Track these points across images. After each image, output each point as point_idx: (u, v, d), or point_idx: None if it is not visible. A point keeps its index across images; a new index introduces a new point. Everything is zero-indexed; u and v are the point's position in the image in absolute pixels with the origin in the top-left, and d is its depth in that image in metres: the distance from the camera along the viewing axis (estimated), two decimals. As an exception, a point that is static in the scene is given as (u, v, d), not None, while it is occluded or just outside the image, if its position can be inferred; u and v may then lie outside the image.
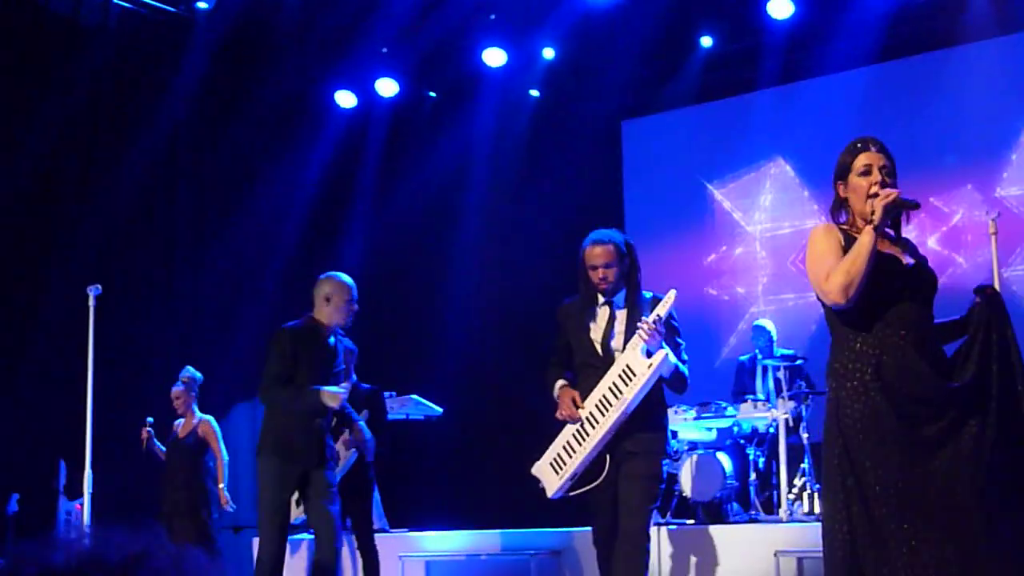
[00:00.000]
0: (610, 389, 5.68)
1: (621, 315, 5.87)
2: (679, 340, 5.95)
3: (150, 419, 9.44)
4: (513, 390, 11.77)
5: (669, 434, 6.02)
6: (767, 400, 9.23)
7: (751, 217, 11.69)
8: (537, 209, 12.24)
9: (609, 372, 5.71)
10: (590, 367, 5.83)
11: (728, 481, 8.93)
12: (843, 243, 4.34)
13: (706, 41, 11.54)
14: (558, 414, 5.84)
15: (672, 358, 5.72)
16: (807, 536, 7.89)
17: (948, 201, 10.59)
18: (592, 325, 5.89)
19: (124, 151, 10.97)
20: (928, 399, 4.19)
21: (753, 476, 8.99)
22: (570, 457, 5.79)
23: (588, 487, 5.77)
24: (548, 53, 11.83)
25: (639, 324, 5.65)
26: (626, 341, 5.75)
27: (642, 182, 12.44)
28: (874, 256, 4.21)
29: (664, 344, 5.70)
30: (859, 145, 4.52)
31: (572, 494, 5.82)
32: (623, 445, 5.73)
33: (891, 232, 4.45)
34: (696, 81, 11.90)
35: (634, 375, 5.64)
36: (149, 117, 11.13)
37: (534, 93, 12.43)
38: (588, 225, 12.10)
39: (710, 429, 9.41)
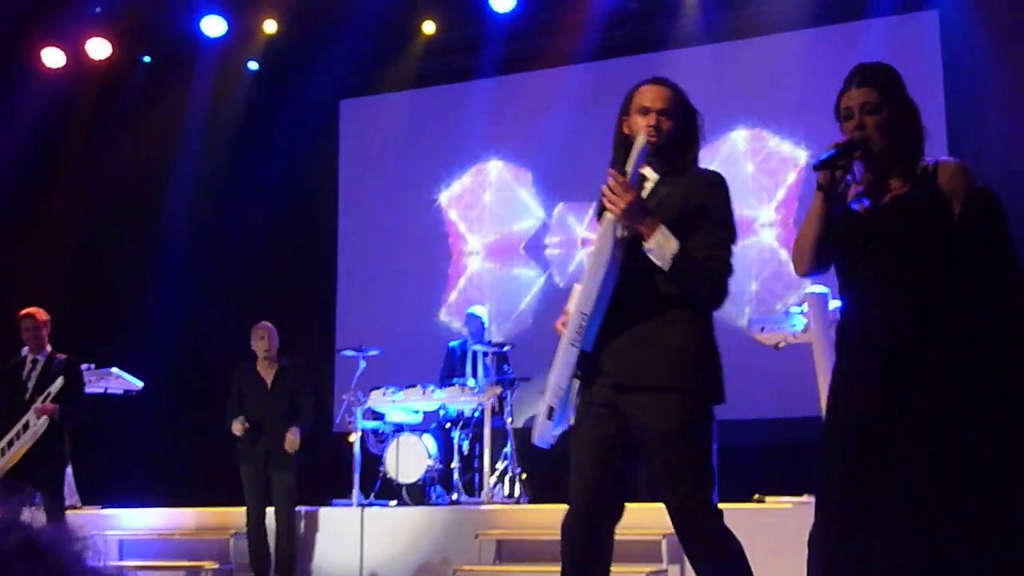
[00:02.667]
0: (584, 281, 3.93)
1: (661, 189, 3.99)
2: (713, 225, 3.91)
3: None
4: (216, 367, 11.55)
5: (703, 369, 3.88)
6: (474, 385, 9.38)
7: (470, 219, 11.82)
8: (252, 182, 12.05)
9: None
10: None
11: (432, 463, 9.04)
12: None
13: (428, 27, 11.61)
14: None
15: (663, 240, 3.79)
16: (508, 518, 8.08)
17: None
18: None
19: None
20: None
21: (457, 459, 9.13)
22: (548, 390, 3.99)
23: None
24: (269, 26, 11.64)
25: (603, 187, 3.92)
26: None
27: (359, 161, 12.42)
28: (823, 220, 3.62)
29: (644, 218, 3.82)
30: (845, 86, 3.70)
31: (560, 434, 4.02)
32: (618, 372, 3.90)
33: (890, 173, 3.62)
34: (416, 65, 11.97)
35: (595, 258, 3.90)
36: None
37: (253, 65, 12.21)
38: (303, 201, 12.16)
39: (416, 411, 9.49)
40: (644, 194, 3.94)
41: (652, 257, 3.79)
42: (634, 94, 4.09)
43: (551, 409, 3.89)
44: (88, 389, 8.81)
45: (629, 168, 3.90)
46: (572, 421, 3.92)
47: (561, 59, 11.19)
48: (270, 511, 8.30)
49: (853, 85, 3.62)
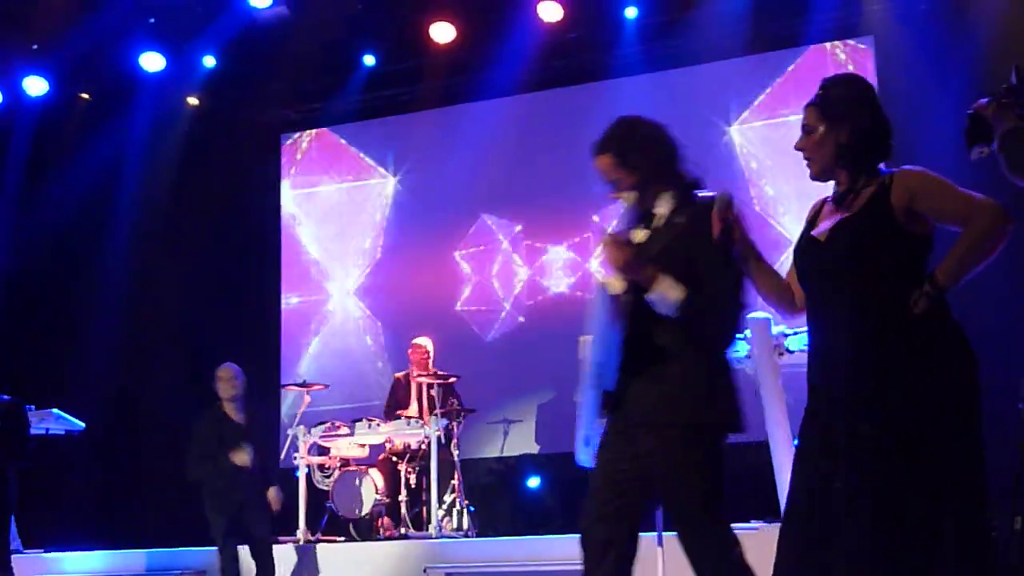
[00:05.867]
0: None
1: (675, 218, 4.03)
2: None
3: None
4: (160, 406, 11.44)
5: (704, 405, 3.90)
6: (420, 417, 9.32)
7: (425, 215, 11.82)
8: (192, 218, 11.97)
9: None
10: None
11: (379, 498, 8.98)
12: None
13: (369, 60, 11.62)
14: None
15: (665, 290, 3.85)
16: (456, 551, 8.03)
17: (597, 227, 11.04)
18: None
19: None
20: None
21: (404, 492, 9.07)
22: None
23: None
24: (209, 61, 11.59)
25: None
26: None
27: (301, 196, 12.39)
28: (752, 265, 3.76)
29: (643, 271, 3.88)
30: None
31: None
32: (631, 410, 3.99)
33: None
34: (358, 98, 11.97)
35: (597, 312, 4.04)
36: None
37: (193, 101, 12.14)
38: (244, 237, 12.09)
39: (363, 446, 9.44)
40: (658, 227, 4.00)
41: (657, 306, 3.87)
42: None
43: (588, 437, 4.06)
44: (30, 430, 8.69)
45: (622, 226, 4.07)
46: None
47: (502, 90, 11.22)
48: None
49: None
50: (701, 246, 3.81)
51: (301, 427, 9.21)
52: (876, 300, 3.40)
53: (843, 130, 3.55)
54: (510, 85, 11.18)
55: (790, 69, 10.49)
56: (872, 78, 10.01)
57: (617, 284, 3.94)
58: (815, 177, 3.63)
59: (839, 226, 3.50)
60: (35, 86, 11.49)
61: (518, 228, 11.40)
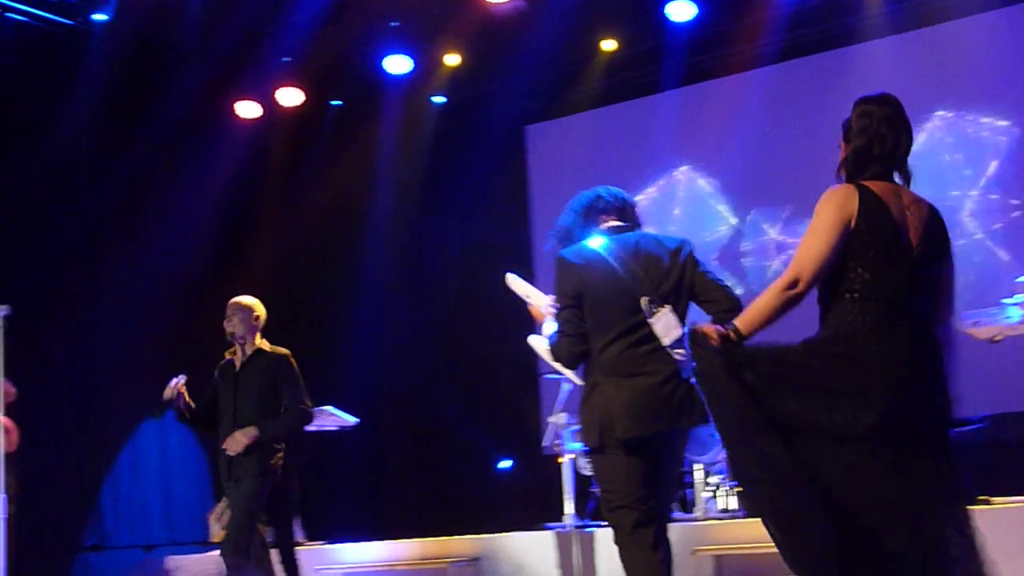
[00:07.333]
0: None
1: None
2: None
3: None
4: (426, 399, 11.70)
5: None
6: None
7: (667, 219, 11.73)
8: (444, 215, 12.21)
9: None
10: None
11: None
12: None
13: (608, 45, 11.61)
14: None
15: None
16: (725, 533, 7.94)
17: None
18: None
19: (20, 167, 10.59)
20: None
21: (668, 475, 9.01)
22: None
23: None
24: (451, 59, 11.81)
25: None
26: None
27: (548, 186, 12.47)
28: None
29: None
30: None
31: None
32: None
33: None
34: (599, 84, 11.97)
35: None
36: (47, 132, 10.73)
37: (438, 99, 12.40)
38: (495, 230, 12.24)
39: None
40: None
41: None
42: None
43: None
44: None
45: None
46: None
47: (744, 64, 11.04)
48: None
49: None
50: None
51: (563, 414, 9.25)
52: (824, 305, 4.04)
53: (845, 149, 3.99)
54: (752, 59, 11.00)
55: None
56: None
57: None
58: None
59: None
60: (289, 97, 11.91)
61: (774, 208, 11.17)
